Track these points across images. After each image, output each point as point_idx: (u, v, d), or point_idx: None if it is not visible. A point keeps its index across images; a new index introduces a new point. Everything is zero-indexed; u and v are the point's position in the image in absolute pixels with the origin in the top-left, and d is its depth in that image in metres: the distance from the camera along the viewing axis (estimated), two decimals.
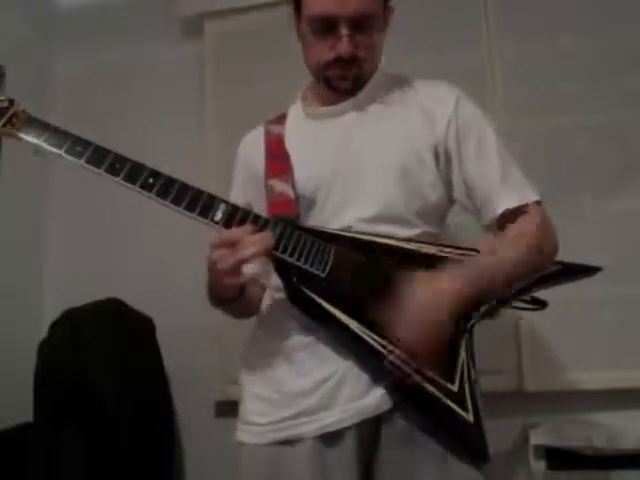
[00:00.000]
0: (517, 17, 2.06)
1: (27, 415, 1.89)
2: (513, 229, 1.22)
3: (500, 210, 1.22)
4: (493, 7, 2.08)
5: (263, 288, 1.32)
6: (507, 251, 1.19)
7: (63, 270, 2.40)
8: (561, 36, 2.01)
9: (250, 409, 1.23)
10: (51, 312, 2.07)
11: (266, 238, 1.11)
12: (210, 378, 2.13)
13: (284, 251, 1.15)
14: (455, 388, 1.12)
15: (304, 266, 1.15)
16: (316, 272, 1.15)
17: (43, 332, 2.00)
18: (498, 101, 2.02)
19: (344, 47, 1.20)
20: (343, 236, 1.20)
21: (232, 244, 1.09)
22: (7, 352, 2.03)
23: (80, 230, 2.40)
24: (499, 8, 2.08)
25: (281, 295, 1.24)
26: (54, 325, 2.00)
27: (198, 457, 2.19)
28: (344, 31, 1.19)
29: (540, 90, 2.00)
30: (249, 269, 1.16)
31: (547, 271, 1.23)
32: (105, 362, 1.94)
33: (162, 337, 2.15)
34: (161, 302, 2.15)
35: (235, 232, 1.11)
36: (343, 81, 1.26)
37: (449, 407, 1.11)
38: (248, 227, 1.12)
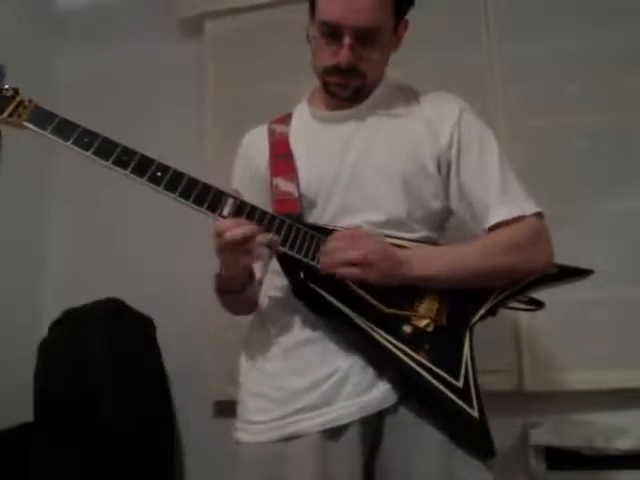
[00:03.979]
0: (517, 18, 2.05)
1: (27, 415, 1.89)
2: (495, 232, 1.22)
3: (494, 221, 1.22)
4: (493, 7, 2.08)
5: (260, 283, 1.33)
6: (468, 246, 1.22)
7: (63, 270, 2.40)
8: (561, 37, 2.01)
9: (250, 407, 1.23)
10: (51, 312, 2.06)
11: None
12: (209, 378, 2.13)
13: (291, 247, 1.16)
14: (460, 385, 1.12)
15: (311, 262, 1.16)
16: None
17: (43, 332, 2.00)
18: (498, 102, 2.02)
19: (343, 56, 1.21)
20: None
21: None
22: (7, 352, 2.02)
23: (80, 230, 2.40)
24: (499, 8, 2.08)
25: (280, 294, 1.25)
26: (54, 325, 2.00)
27: (197, 457, 2.19)
28: (347, 41, 1.20)
29: (540, 91, 2.00)
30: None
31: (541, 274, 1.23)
32: (105, 362, 1.94)
33: (162, 337, 2.15)
34: (161, 302, 2.15)
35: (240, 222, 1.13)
36: (342, 89, 1.27)
37: (455, 403, 1.11)
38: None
